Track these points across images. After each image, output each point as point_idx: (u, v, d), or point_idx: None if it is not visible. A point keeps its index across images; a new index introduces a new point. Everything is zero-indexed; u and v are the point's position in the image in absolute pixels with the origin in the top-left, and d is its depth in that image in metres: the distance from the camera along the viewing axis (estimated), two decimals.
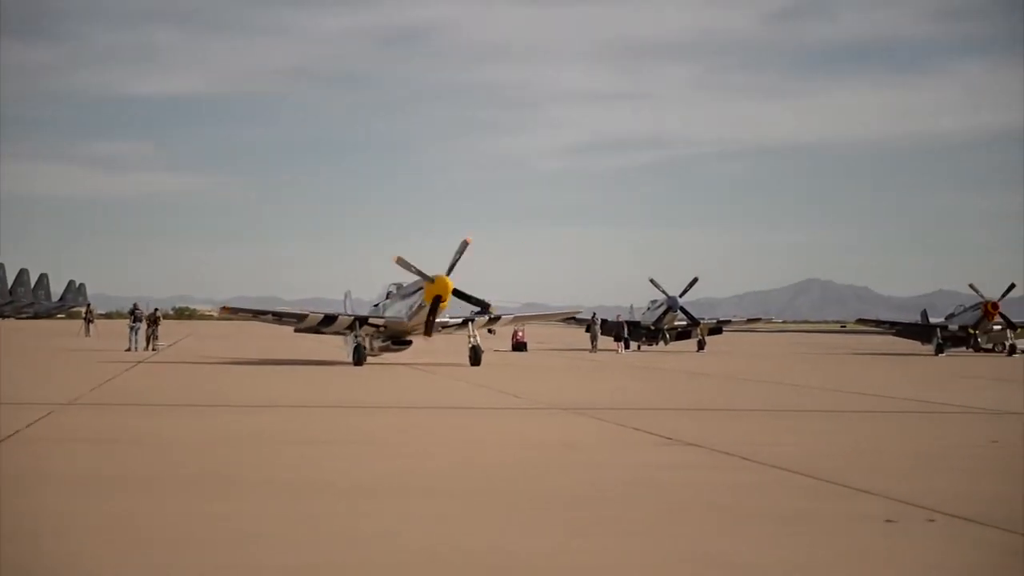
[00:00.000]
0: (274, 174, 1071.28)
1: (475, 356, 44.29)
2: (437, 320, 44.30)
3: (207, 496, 12.58)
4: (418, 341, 47.31)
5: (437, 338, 47.28)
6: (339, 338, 49.47)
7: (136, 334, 57.40)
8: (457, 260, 43.84)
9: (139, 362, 44.31)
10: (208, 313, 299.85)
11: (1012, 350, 69.16)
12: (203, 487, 13.25)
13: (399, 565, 9.50)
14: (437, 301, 43.44)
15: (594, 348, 66.10)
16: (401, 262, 42.92)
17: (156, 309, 61.12)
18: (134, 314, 58.03)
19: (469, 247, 43.95)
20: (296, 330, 49.37)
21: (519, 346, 65.72)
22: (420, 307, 43.89)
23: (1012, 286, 69.80)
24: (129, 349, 55.61)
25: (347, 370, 41.02)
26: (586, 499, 12.74)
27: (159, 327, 59.77)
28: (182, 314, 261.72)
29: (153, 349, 56.60)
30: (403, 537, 10.55)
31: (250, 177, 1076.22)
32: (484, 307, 45.57)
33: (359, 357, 43.77)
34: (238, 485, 13.36)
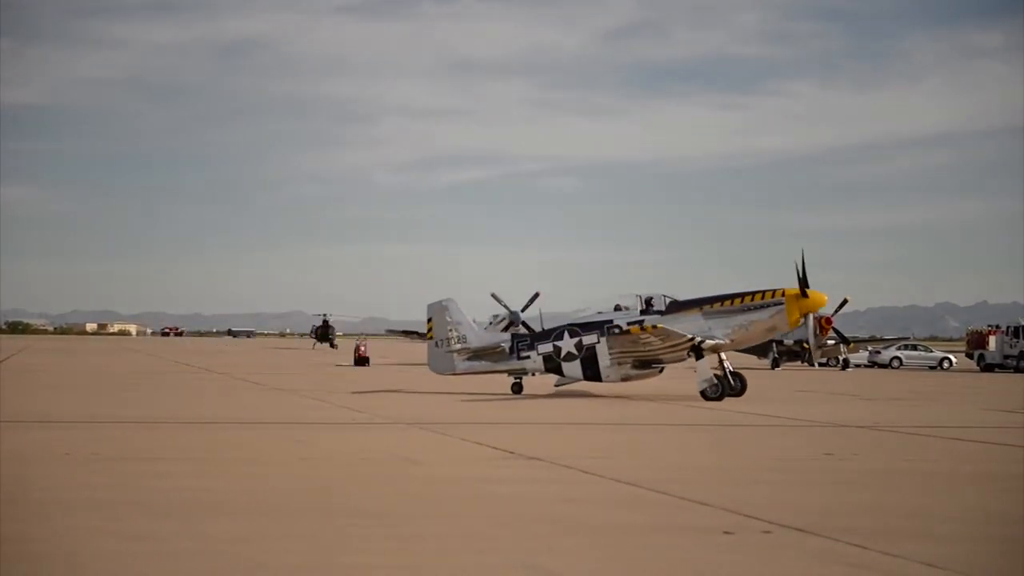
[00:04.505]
0: (107, 186, 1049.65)
1: (741, 382, 36.41)
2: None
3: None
4: None
5: None
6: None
7: None
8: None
9: None
10: (43, 327, 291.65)
11: (846, 364, 70.85)
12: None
13: None
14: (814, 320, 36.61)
15: None
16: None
17: None
18: None
19: None
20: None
21: (361, 360, 65.16)
22: (771, 328, 36.07)
23: (845, 301, 71.43)
24: None
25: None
26: (417, 514, 12.59)
27: None
28: (15, 328, 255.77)
29: None
30: (212, 557, 10.29)
31: (81, 189, 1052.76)
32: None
33: (725, 391, 34.94)
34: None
